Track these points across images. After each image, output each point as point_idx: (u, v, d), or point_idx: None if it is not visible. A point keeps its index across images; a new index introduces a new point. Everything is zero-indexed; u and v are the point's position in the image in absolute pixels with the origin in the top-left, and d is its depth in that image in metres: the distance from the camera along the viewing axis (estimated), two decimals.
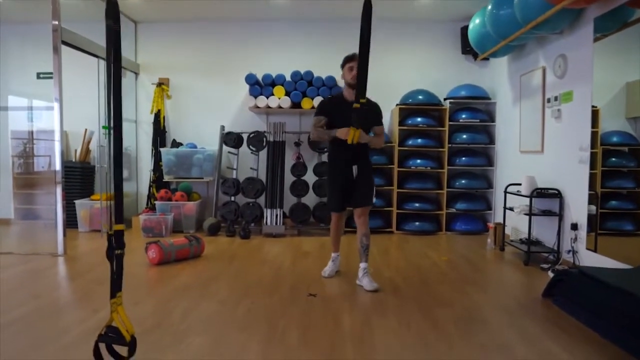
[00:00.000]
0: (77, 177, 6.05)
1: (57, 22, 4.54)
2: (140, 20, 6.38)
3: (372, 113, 3.58)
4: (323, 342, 2.57)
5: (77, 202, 5.84)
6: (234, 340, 2.58)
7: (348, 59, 3.50)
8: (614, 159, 4.13)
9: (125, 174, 6.36)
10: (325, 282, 3.72)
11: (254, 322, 2.85)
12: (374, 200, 3.71)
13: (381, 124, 3.69)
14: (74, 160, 6.27)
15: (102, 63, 5.54)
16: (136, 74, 6.43)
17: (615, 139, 4.11)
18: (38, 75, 6.31)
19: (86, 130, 6.15)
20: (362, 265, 3.61)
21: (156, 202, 5.87)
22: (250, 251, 4.91)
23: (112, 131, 1.91)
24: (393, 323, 2.85)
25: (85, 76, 5.67)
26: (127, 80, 6.35)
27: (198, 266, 4.23)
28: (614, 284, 2.73)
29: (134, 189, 6.48)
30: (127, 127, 6.34)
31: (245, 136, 6.01)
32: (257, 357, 2.37)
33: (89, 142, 6.22)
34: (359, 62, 2.99)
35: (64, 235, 4.61)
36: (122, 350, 2.05)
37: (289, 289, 3.55)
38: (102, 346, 2.05)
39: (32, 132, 6.51)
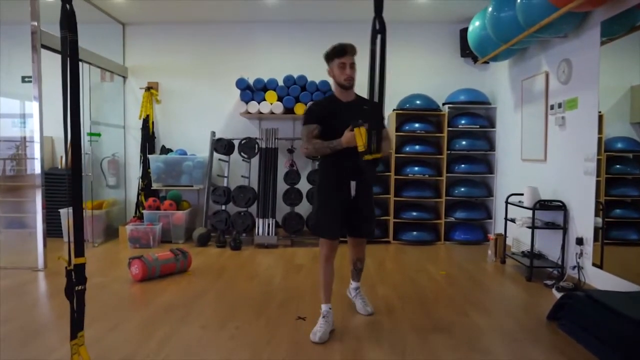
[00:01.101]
0: (63, 185, 5.84)
1: (36, 24, 4.35)
2: (129, 22, 6.16)
3: (373, 112, 2.74)
4: None
5: (61, 210, 5.63)
6: None
7: (338, 53, 2.79)
8: (618, 166, 3.95)
9: (113, 181, 6.15)
10: (316, 304, 3.49)
11: (236, 351, 2.64)
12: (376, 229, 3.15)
13: (384, 125, 2.95)
14: (59, 167, 6.05)
15: (87, 67, 5.34)
16: (124, 77, 6.21)
17: (619, 145, 3.93)
18: (23, 79, 6.10)
19: None
20: (354, 284, 3.31)
21: (144, 211, 5.65)
22: (241, 264, 4.70)
23: (69, 151, 1.69)
24: (387, 350, 2.65)
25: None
26: (114, 84, 6.14)
27: (183, 282, 4.01)
28: (623, 312, 2.52)
29: (122, 196, 6.26)
30: (115, 133, 6.14)
31: (236, 143, 5.79)
32: None
33: None
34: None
35: (45, 246, 4.40)
36: None
37: (278, 309, 3.34)
38: None
39: (24, 138, 6.32)
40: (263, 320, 3.12)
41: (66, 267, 1.73)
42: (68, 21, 1.65)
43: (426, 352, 2.64)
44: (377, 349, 2.66)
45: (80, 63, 5.17)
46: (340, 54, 2.78)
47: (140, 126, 6.06)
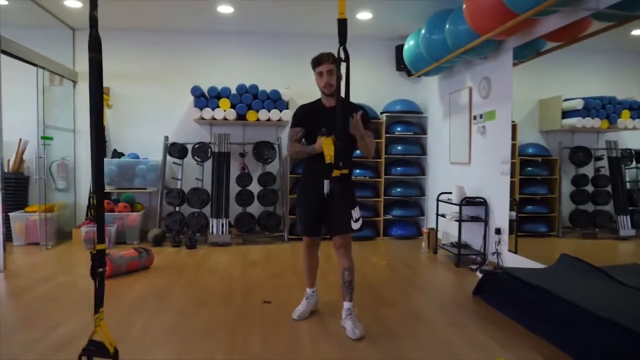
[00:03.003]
0: (11, 189, 5.81)
1: None
2: (79, 27, 6.24)
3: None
4: (284, 346, 2.79)
5: (11, 214, 5.61)
6: (198, 351, 2.71)
7: (315, 63, 2.96)
8: (529, 168, 4.69)
9: (62, 184, 6.19)
10: (279, 289, 3.92)
11: (215, 332, 2.99)
12: (357, 225, 2.85)
13: (368, 127, 3.00)
14: (6, 170, 6.00)
15: (41, 72, 5.40)
16: (74, 82, 6.28)
17: (530, 150, 4.67)
18: None
19: (20, 139, 5.92)
20: (346, 305, 3.06)
21: None
22: (199, 261, 5.00)
23: (94, 158, 2.00)
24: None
25: (18, 84, 5.46)
26: (64, 88, 6.19)
27: (149, 278, 4.27)
28: (532, 282, 3.17)
29: (71, 200, 6.30)
30: (64, 137, 6.17)
31: (189, 147, 6.06)
32: None
33: (23, 152, 5.99)
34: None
35: (4, 249, 4.46)
36: None
37: (244, 298, 3.71)
38: None
39: None
40: (233, 306, 3.49)
41: (91, 252, 2.05)
42: (95, 44, 1.96)
43: (377, 322, 3.16)
44: (337, 322, 3.13)
45: (34, 67, 5.25)
46: (316, 63, 2.95)
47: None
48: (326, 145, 2.71)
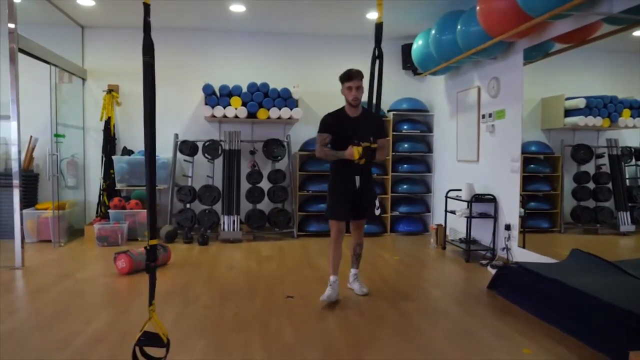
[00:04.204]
0: (21, 186, 5.82)
1: (13, 26, 4.36)
2: (88, 25, 6.27)
3: (374, 125, 3.51)
4: (316, 337, 2.90)
5: (25, 211, 5.63)
6: (234, 341, 2.81)
7: (346, 78, 3.39)
8: (532, 166, 4.82)
9: (72, 182, 6.22)
10: (298, 283, 4.02)
11: (246, 324, 3.09)
12: (379, 212, 3.68)
13: (385, 135, 3.58)
14: None
15: (54, 70, 5.42)
16: (83, 79, 6.30)
17: (533, 148, 4.80)
18: None
19: (31, 137, 5.94)
20: (354, 270, 3.81)
21: (110, 211, 5.82)
22: (213, 257, 5.08)
23: (147, 158, 2.09)
24: (368, 316, 3.25)
25: (27, 81, 5.47)
26: (73, 86, 6.21)
27: (169, 274, 4.35)
28: (546, 276, 3.30)
29: (81, 197, 6.34)
30: (74, 134, 6.20)
31: (200, 144, 6.13)
32: (262, 355, 2.63)
33: (32, 150, 6.01)
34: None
35: (22, 247, 4.51)
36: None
37: (266, 292, 3.81)
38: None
39: None
40: (258, 301, 3.58)
41: (145, 247, 2.14)
42: (149, 48, 2.05)
43: (399, 314, 3.27)
44: (360, 316, 3.25)
45: (38, 63, 5.23)
46: (347, 78, 3.38)
47: (102, 128, 6.20)
48: (357, 152, 3.27)
